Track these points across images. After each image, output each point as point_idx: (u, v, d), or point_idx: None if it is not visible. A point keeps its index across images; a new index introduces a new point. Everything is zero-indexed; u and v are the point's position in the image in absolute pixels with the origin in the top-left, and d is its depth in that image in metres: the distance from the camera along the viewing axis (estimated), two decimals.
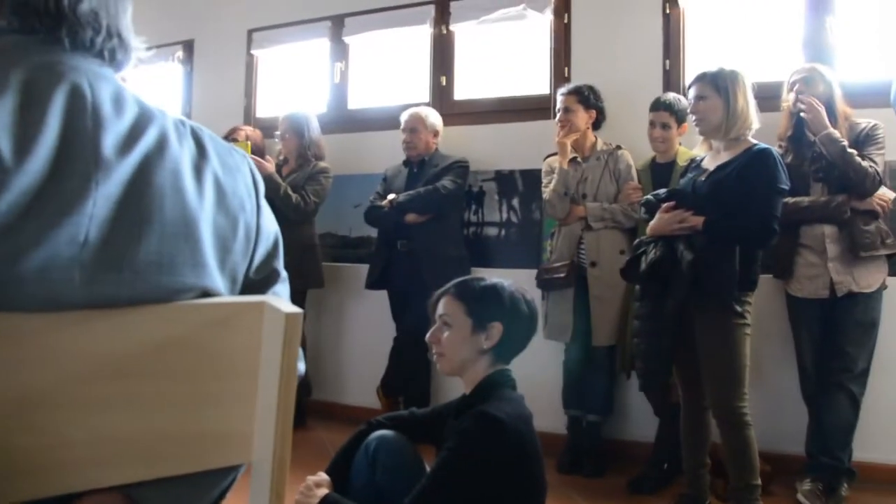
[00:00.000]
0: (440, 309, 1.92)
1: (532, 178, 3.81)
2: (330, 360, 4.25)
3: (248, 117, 4.70)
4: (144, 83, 5.30)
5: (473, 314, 1.87)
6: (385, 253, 3.80)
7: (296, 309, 0.99)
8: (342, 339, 4.25)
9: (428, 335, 1.92)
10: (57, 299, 0.82)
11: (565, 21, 3.86)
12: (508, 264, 3.80)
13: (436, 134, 3.83)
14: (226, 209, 1.00)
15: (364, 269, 4.00)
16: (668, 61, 3.67)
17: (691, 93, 2.69)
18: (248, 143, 3.86)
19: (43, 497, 0.84)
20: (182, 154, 0.96)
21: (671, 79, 3.67)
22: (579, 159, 3.47)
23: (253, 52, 4.72)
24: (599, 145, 3.51)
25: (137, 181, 0.89)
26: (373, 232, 4.04)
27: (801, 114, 2.94)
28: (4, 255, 0.78)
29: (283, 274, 1.12)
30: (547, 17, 3.89)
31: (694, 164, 2.79)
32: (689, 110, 2.72)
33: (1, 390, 0.80)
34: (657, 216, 2.64)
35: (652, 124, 3.33)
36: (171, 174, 0.93)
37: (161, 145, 0.93)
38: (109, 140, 0.88)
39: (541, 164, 3.64)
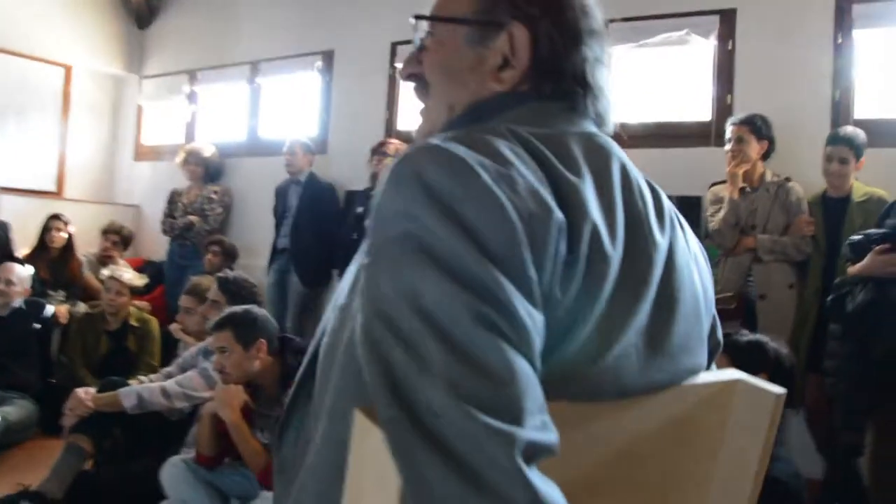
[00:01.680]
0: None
1: (690, 204, 3.78)
2: None
3: (390, 130, 4.76)
4: (281, 90, 5.41)
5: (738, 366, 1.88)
6: None
7: (780, 390, 0.99)
8: None
9: None
10: (622, 387, 0.80)
11: (729, 47, 3.84)
12: None
13: None
14: (703, 280, 0.96)
15: None
16: (838, 91, 3.62)
17: None
18: None
19: None
20: (680, 225, 0.93)
21: (840, 110, 3.62)
22: (748, 189, 3.45)
23: (397, 65, 4.77)
24: (768, 176, 3.48)
25: (669, 260, 0.85)
26: None
27: None
28: (595, 347, 0.76)
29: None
30: (711, 43, 3.87)
31: None
32: None
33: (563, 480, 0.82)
34: (869, 257, 2.62)
35: (829, 158, 3.29)
36: (683, 250, 0.89)
37: (673, 219, 0.90)
38: (652, 218, 0.84)
39: (699, 191, 3.62)
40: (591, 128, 0.89)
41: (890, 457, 2.72)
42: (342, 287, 0.86)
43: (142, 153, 6.12)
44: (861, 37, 3.59)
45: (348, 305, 0.79)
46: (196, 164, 5.19)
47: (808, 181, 3.43)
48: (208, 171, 5.27)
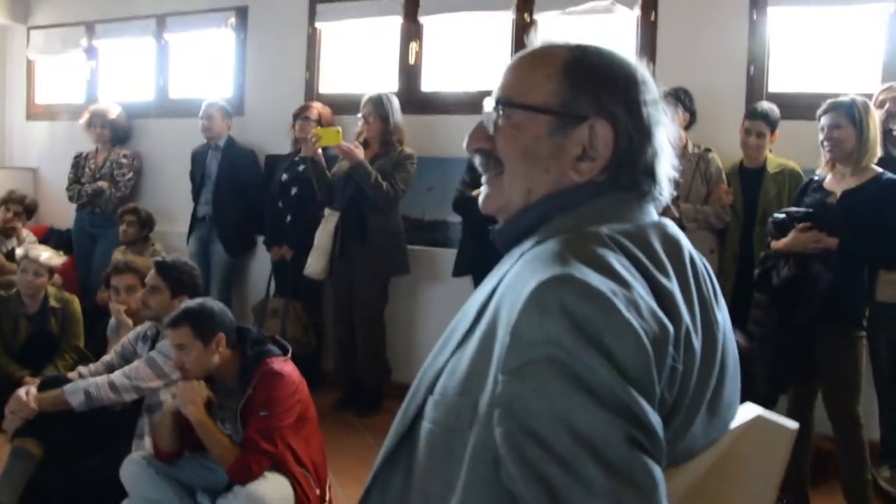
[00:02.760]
0: None
1: None
2: (404, 342, 4.34)
3: (311, 93, 4.63)
4: (191, 48, 5.15)
5: None
6: (474, 241, 3.87)
7: (794, 425, 1.11)
8: (417, 321, 4.35)
9: None
10: (691, 453, 0.91)
11: (652, 19, 3.95)
12: None
13: None
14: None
15: (438, 252, 4.12)
16: (752, 66, 3.82)
17: (825, 121, 2.85)
18: (340, 130, 3.85)
19: None
20: None
21: (755, 85, 3.82)
22: None
23: (317, 24, 4.62)
24: (690, 147, 3.66)
25: (723, 331, 0.95)
26: (448, 216, 4.13)
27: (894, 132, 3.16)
28: (680, 429, 0.86)
29: None
30: (635, 14, 3.97)
31: (815, 185, 2.97)
32: (822, 138, 2.87)
33: None
34: (793, 234, 2.82)
35: (747, 132, 3.49)
36: (727, 319, 0.98)
37: (719, 293, 0.99)
38: (713, 300, 0.94)
39: None
40: (656, 214, 0.96)
41: (800, 412, 3.00)
42: (445, 379, 0.89)
43: (36, 112, 5.67)
44: (775, 14, 3.77)
45: (468, 404, 0.83)
46: (102, 125, 4.90)
47: (724, 151, 3.64)
48: (116, 134, 4.98)
